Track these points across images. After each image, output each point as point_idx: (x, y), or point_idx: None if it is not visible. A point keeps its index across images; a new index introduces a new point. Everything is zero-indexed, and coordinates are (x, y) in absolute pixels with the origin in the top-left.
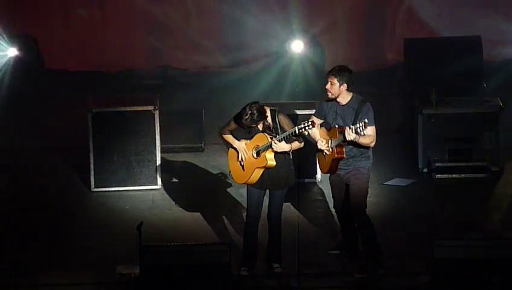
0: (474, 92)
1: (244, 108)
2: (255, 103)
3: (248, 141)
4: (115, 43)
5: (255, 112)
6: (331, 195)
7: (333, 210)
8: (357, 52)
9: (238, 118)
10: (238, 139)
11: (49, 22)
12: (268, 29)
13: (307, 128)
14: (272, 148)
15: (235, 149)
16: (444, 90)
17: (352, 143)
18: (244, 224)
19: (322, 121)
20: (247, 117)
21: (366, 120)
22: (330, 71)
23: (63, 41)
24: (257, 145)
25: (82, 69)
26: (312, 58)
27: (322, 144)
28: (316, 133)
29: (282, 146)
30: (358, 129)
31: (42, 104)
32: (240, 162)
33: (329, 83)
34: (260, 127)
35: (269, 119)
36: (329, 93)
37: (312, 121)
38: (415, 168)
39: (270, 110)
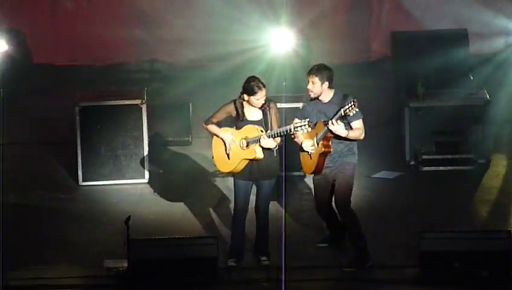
0: (460, 85)
1: (247, 82)
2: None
3: (235, 130)
4: (102, 37)
5: (258, 78)
6: None
7: None
8: (343, 45)
9: (246, 92)
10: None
11: (37, 17)
12: (255, 22)
13: (303, 127)
14: (260, 143)
15: (221, 138)
16: (431, 83)
17: (342, 138)
18: (232, 217)
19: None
20: (255, 84)
21: (355, 99)
22: (310, 71)
23: (50, 35)
24: (246, 136)
25: (69, 64)
26: (298, 51)
27: (308, 144)
28: (299, 134)
29: (269, 143)
30: (348, 109)
31: (30, 99)
32: (226, 150)
33: (311, 82)
34: (260, 105)
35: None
36: (312, 93)
37: (309, 121)
38: (402, 161)
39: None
